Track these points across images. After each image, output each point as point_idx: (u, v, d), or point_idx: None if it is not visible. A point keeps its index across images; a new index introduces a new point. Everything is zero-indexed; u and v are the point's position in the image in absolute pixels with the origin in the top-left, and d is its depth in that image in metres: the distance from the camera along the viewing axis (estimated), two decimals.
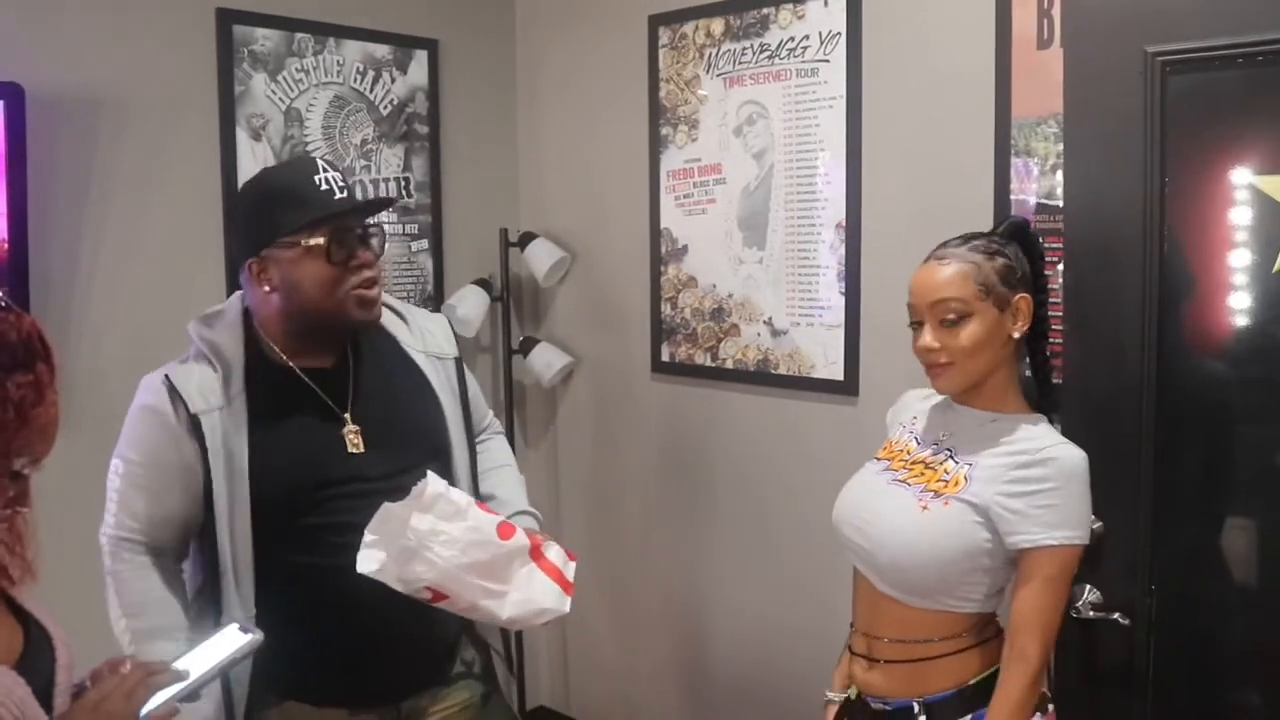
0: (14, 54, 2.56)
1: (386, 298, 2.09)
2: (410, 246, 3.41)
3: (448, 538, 1.79)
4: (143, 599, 1.88)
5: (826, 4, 2.82)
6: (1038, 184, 2.42)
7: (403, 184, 3.38)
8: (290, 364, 1.94)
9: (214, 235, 2.96)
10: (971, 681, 1.78)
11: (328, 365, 1.98)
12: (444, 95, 3.48)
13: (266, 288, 1.90)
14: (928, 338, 1.79)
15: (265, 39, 3.05)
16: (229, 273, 2.97)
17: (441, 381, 2.10)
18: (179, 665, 1.39)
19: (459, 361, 2.16)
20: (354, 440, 1.95)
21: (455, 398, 2.11)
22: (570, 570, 1.93)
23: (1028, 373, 1.92)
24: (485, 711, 2.10)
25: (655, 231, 3.29)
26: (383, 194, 3.30)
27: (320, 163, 1.91)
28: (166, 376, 1.90)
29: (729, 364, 3.14)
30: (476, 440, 2.18)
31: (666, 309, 3.29)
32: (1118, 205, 1.97)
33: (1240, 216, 1.87)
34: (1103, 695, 2.02)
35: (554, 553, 1.92)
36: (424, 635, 1.98)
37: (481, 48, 3.59)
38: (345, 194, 1.89)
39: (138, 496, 1.89)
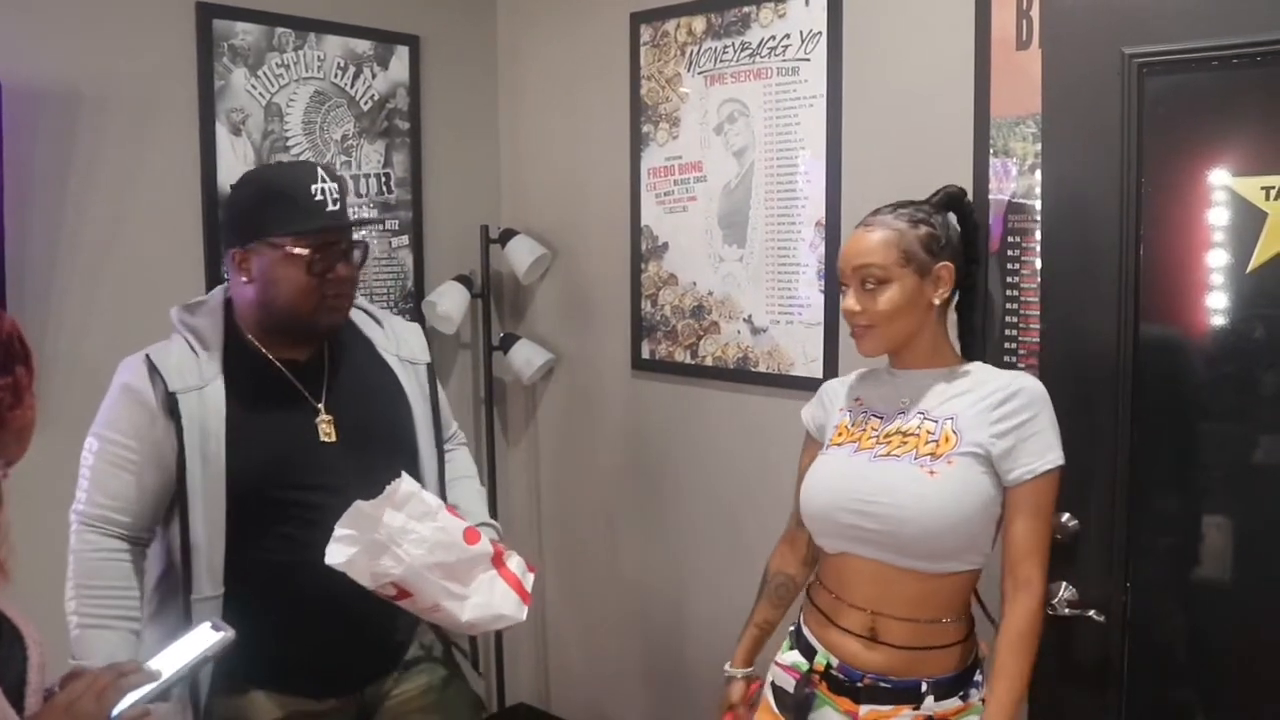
0: None
1: (362, 301, 2.16)
2: (391, 242, 3.40)
3: (417, 536, 1.83)
4: (97, 584, 1.89)
5: (808, 3, 2.82)
6: (1016, 183, 2.43)
7: (383, 180, 3.38)
8: (266, 353, 1.99)
9: (193, 230, 2.95)
10: (969, 663, 1.87)
11: (303, 358, 2.03)
12: (425, 91, 3.47)
13: (244, 278, 1.95)
14: (850, 300, 1.89)
15: (245, 33, 3.04)
16: (208, 267, 2.96)
17: (413, 386, 2.15)
18: (150, 665, 1.39)
19: (430, 368, 2.21)
20: (326, 430, 1.99)
21: (426, 403, 2.17)
22: (529, 581, 1.98)
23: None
24: (446, 695, 2.14)
25: (636, 229, 3.30)
26: (364, 190, 3.30)
27: (321, 171, 1.94)
28: (147, 355, 1.94)
29: (709, 361, 3.15)
30: (445, 448, 2.23)
31: (647, 306, 3.30)
32: (1095, 205, 1.98)
33: (1216, 217, 1.89)
34: (1077, 692, 2.03)
35: (514, 563, 1.98)
36: (384, 623, 2.02)
37: (463, 44, 3.59)
38: (338, 207, 1.94)
39: (111, 474, 1.92)
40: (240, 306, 2.00)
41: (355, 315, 2.14)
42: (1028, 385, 1.84)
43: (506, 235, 3.51)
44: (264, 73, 3.08)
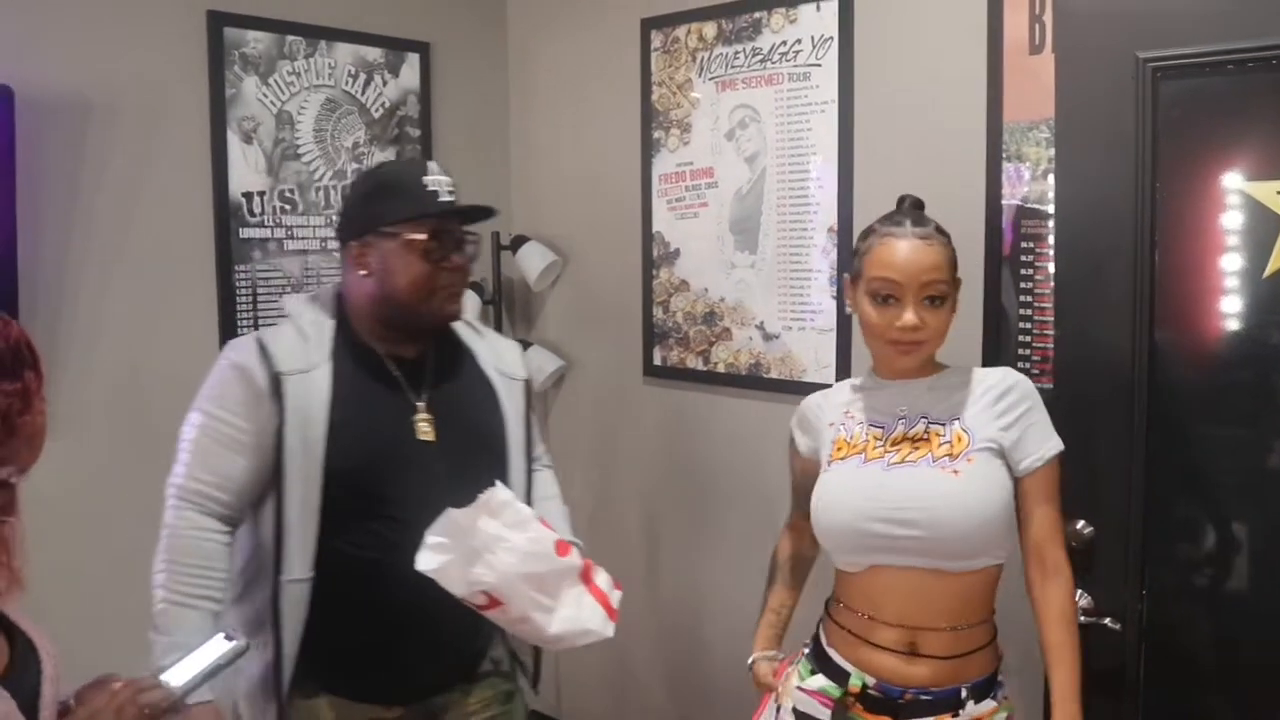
0: (3, 55, 2.55)
1: (467, 315, 2.19)
2: None
3: (510, 545, 1.82)
4: (190, 562, 1.90)
5: (819, 8, 2.82)
6: (1028, 189, 2.42)
7: None
8: (374, 347, 2.03)
9: (205, 238, 2.95)
10: (999, 666, 1.90)
11: (410, 355, 2.05)
12: (436, 98, 3.47)
13: (363, 272, 1.99)
14: (912, 317, 1.84)
15: (256, 41, 3.04)
16: (219, 275, 2.97)
17: (510, 401, 2.16)
18: (165, 678, 1.38)
19: (528, 384, 2.23)
20: (425, 429, 2.01)
21: (520, 419, 2.18)
22: (616, 598, 1.97)
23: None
24: (507, 709, 2.16)
25: (647, 235, 3.29)
26: None
27: (432, 165, 2.02)
28: (257, 337, 1.98)
29: (720, 368, 3.14)
30: (531, 469, 2.24)
31: (658, 313, 3.29)
32: (1109, 210, 1.97)
33: (1231, 221, 1.88)
34: (1093, 701, 2.02)
35: (602, 579, 1.98)
36: (464, 633, 2.03)
37: (473, 51, 3.59)
38: (451, 197, 2.00)
39: (214, 451, 1.93)
40: (354, 301, 2.03)
41: (458, 327, 2.17)
42: (1018, 378, 1.90)
43: (518, 242, 3.51)
44: (275, 81, 3.08)
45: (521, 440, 2.17)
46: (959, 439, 1.84)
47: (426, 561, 1.79)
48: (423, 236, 1.96)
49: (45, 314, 2.66)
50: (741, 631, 3.13)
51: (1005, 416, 1.85)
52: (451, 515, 1.81)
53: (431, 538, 1.80)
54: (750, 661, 2.12)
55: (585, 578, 1.94)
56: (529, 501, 2.14)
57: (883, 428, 1.92)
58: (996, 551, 1.85)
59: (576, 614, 1.90)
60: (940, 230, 1.90)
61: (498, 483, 1.89)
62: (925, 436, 1.87)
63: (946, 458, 1.83)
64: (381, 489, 1.94)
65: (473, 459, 2.04)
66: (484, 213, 2.11)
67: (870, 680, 1.86)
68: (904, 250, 1.85)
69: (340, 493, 1.92)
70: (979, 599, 1.86)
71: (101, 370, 2.76)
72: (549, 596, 1.87)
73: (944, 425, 1.87)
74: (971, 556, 1.82)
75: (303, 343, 1.97)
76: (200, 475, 1.91)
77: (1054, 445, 1.86)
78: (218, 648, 1.46)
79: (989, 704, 1.85)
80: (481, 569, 1.80)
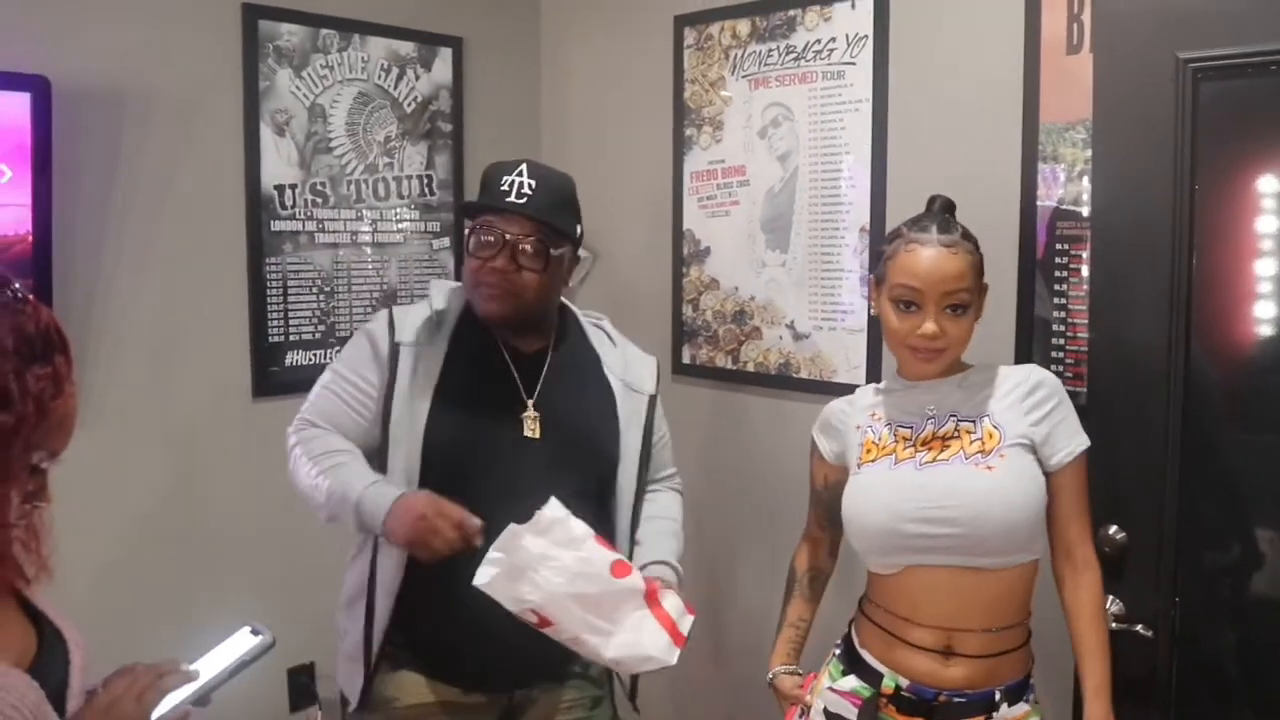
0: (40, 47, 2.56)
1: (608, 326, 2.25)
2: (432, 244, 3.40)
3: (558, 564, 1.80)
4: (331, 445, 2.00)
5: (854, 6, 2.80)
6: (1064, 190, 2.39)
7: (425, 182, 3.38)
8: (494, 336, 2.07)
9: (237, 229, 2.97)
10: (1031, 669, 1.90)
11: (528, 350, 2.10)
12: (468, 93, 3.47)
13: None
14: (931, 324, 1.85)
15: (290, 34, 3.05)
16: (251, 267, 2.98)
17: (629, 412, 2.16)
18: (191, 667, 1.38)
19: (653, 400, 2.22)
20: (531, 426, 2.04)
21: (639, 433, 2.17)
22: (686, 624, 1.91)
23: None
24: (592, 715, 2.16)
25: (678, 233, 3.28)
26: (405, 192, 3.31)
27: (526, 167, 2.05)
28: (390, 309, 2.10)
29: (750, 367, 3.13)
30: (649, 487, 2.23)
31: (688, 311, 3.28)
32: (1147, 212, 1.95)
33: (1270, 225, 1.85)
34: (1125, 708, 1.99)
35: (670, 602, 1.92)
36: (542, 635, 1.98)
37: (506, 46, 3.58)
38: (521, 201, 2.00)
39: (331, 403, 2.05)
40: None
41: (592, 332, 2.23)
42: (1045, 374, 1.92)
43: None
44: (308, 74, 3.09)
45: (637, 455, 2.15)
46: (990, 435, 1.85)
47: (481, 575, 1.79)
48: (477, 229, 2.01)
49: (78, 303, 2.67)
50: (765, 627, 3.12)
51: (1035, 412, 1.86)
52: (513, 529, 1.80)
53: (492, 552, 1.80)
54: (770, 676, 2.10)
55: (651, 600, 1.89)
56: (635, 519, 2.15)
57: (911, 428, 1.92)
58: (1033, 546, 1.85)
59: (636, 639, 1.86)
60: (967, 236, 1.89)
61: (552, 499, 1.86)
62: (956, 434, 1.87)
63: (979, 454, 1.83)
64: (476, 476, 1.97)
65: (575, 462, 2.05)
66: (548, 222, 2.04)
67: (904, 682, 1.85)
68: (927, 259, 1.85)
69: (439, 471, 1.96)
70: (1016, 598, 1.85)
71: (133, 360, 2.77)
72: (605, 619, 1.84)
73: (974, 422, 1.87)
74: (1009, 553, 1.82)
75: (429, 321, 2.04)
76: (316, 420, 2.03)
77: (1082, 441, 1.87)
78: (244, 642, 1.46)
79: (1022, 707, 1.84)
80: (527, 587, 1.79)
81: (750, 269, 3.10)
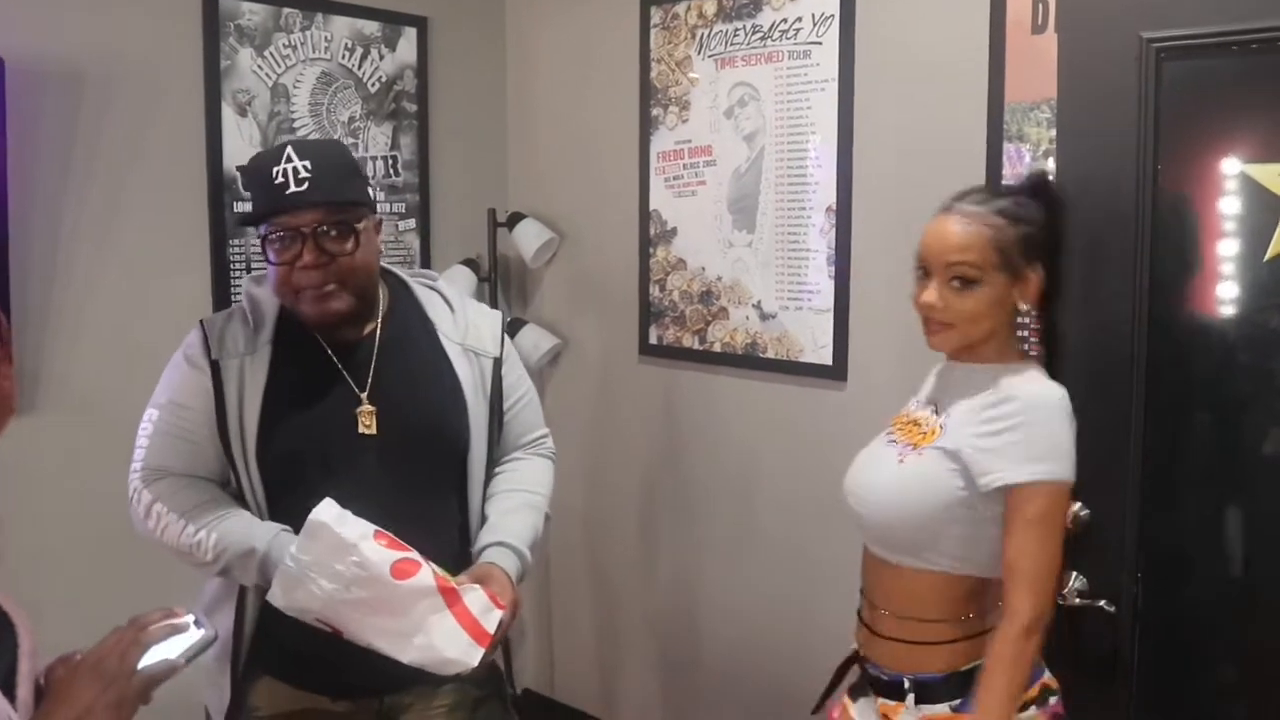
0: None
1: (443, 286, 2.07)
2: (397, 225, 3.38)
3: (331, 571, 1.69)
4: (197, 499, 1.85)
5: None
6: (1029, 169, 2.40)
7: (390, 162, 3.36)
8: (314, 332, 1.91)
9: (199, 212, 2.93)
10: (962, 668, 1.75)
11: (354, 339, 1.94)
12: (433, 73, 3.45)
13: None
14: (931, 295, 1.76)
15: (252, 13, 3.01)
16: (213, 249, 2.95)
17: (472, 379, 2.00)
18: (184, 618, 1.36)
19: (498, 363, 2.05)
20: (366, 421, 1.89)
21: (484, 399, 2.01)
22: (491, 620, 1.76)
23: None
24: (474, 717, 2.02)
25: (644, 213, 3.27)
26: (370, 172, 3.27)
27: (289, 151, 1.81)
28: (201, 323, 1.91)
29: (717, 347, 3.13)
30: (511, 455, 2.11)
31: (655, 291, 3.27)
32: (1110, 191, 1.95)
33: (1232, 204, 1.86)
34: (1087, 682, 2.01)
35: (472, 598, 1.77)
36: None
37: (471, 26, 3.56)
38: (302, 188, 1.79)
39: (165, 444, 1.87)
40: None
41: (425, 296, 2.03)
42: (1030, 392, 1.71)
43: (514, 219, 3.49)
44: (270, 53, 3.06)
45: (485, 424, 2.00)
46: (933, 432, 1.80)
47: (271, 592, 1.72)
48: (266, 237, 1.82)
49: (36, 288, 2.64)
50: (735, 606, 3.14)
51: (985, 425, 1.71)
52: (281, 539, 1.75)
53: (281, 564, 1.72)
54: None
55: (450, 598, 1.74)
56: (483, 499, 2.02)
57: (919, 406, 1.93)
58: (927, 556, 1.76)
59: (431, 641, 1.72)
60: (1003, 212, 1.75)
61: (325, 500, 1.74)
62: (922, 422, 1.86)
63: (910, 445, 1.81)
64: (320, 484, 1.80)
65: (419, 451, 1.93)
66: (350, 203, 1.88)
67: (856, 645, 1.93)
68: (937, 226, 1.78)
69: (281, 488, 1.85)
70: (930, 598, 1.77)
71: (92, 346, 2.74)
72: (399, 622, 1.72)
73: (938, 416, 1.83)
74: (893, 550, 1.79)
75: (246, 327, 1.89)
76: (161, 467, 1.87)
77: (1030, 472, 1.66)
78: (189, 636, 1.43)
79: (942, 709, 1.76)
80: (304, 596, 1.70)
81: (717, 249, 3.10)
